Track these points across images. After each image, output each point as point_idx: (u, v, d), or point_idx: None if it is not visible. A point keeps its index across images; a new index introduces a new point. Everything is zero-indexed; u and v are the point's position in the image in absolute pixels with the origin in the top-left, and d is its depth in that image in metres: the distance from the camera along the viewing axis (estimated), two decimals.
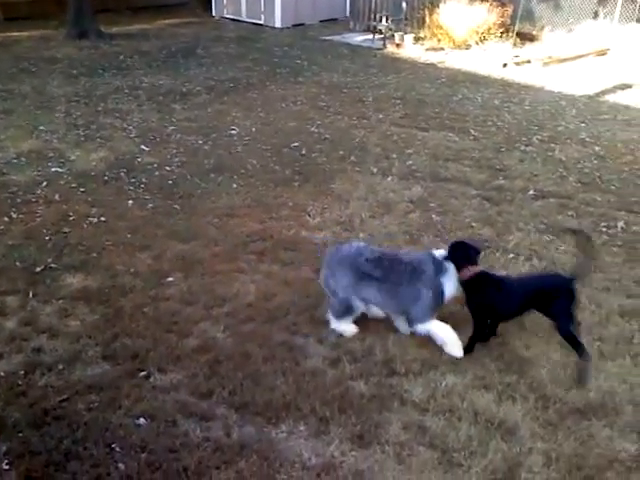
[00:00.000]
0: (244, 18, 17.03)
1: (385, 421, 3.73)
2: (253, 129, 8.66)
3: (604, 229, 6.16)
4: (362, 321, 4.62)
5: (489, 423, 3.72)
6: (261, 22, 16.64)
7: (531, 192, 6.91)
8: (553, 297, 4.13)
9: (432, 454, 3.52)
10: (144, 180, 6.96)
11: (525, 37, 14.53)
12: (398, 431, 3.67)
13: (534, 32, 14.74)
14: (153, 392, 3.90)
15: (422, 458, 3.49)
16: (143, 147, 7.94)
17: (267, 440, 3.58)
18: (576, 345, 4.12)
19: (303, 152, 7.89)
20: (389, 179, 7.12)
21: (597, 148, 8.38)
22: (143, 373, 4.05)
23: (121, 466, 3.38)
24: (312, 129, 8.74)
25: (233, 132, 8.54)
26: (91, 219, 6.05)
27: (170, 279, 5.10)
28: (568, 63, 13.32)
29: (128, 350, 4.25)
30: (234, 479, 3.32)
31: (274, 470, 3.38)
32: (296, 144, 8.11)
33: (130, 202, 6.44)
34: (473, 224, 6.16)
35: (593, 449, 3.60)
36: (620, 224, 6.28)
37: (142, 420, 3.69)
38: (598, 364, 4.26)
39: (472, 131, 8.82)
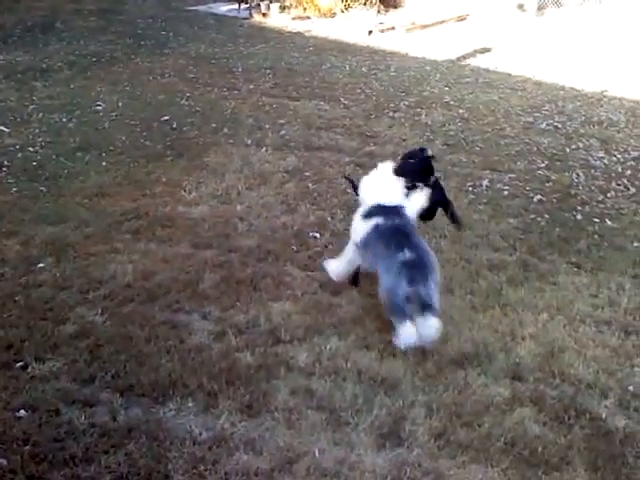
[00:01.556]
0: None
1: (273, 389, 3.79)
2: (120, 104, 8.36)
3: (470, 188, 6.45)
4: (246, 293, 4.65)
5: (372, 381, 3.86)
6: None
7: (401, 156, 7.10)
8: None
9: (320, 416, 3.61)
10: (6, 163, 6.58)
11: (388, 4, 14.80)
12: (286, 397, 3.73)
13: None
14: (32, 382, 3.75)
15: (311, 421, 3.58)
16: (3, 128, 7.49)
17: (155, 420, 3.54)
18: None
19: (174, 126, 7.72)
20: (263, 150, 7.11)
21: (461, 111, 8.72)
22: (20, 364, 3.88)
23: (3, 461, 3.24)
24: (182, 102, 8.55)
25: (99, 108, 8.21)
26: None
27: (41, 265, 4.88)
28: (430, 29, 13.71)
29: (1, 341, 4.05)
30: (124, 462, 3.27)
31: (165, 449, 3.36)
32: (166, 118, 7.92)
33: None
34: (348, 190, 6.26)
35: (470, 397, 3.81)
36: (485, 183, 6.59)
37: (22, 412, 3.54)
38: (470, 316, 4.51)
39: (342, 99, 8.93)
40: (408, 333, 3.98)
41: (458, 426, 3.59)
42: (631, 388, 3.94)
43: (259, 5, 14.40)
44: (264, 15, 14.15)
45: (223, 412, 3.60)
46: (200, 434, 3.46)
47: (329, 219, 5.73)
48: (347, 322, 4.35)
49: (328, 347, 4.13)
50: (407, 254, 4.02)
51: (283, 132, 7.66)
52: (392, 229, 4.22)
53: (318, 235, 5.45)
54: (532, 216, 5.97)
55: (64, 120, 7.79)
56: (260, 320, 4.37)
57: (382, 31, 13.16)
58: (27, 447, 3.34)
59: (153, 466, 3.26)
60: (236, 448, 3.39)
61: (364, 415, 3.62)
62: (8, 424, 3.46)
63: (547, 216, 5.97)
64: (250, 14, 14.23)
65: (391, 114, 8.47)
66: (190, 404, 3.65)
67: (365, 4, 14.26)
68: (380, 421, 3.59)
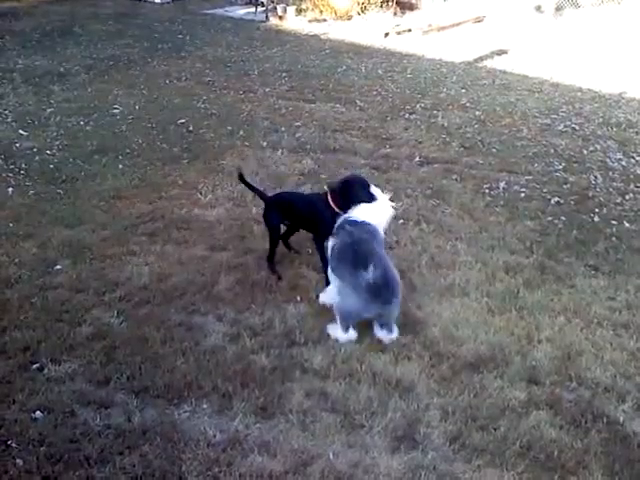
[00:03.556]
0: None
1: (288, 391, 3.79)
2: (137, 107, 8.42)
3: (487, 190, 6.42)
4: (261, 295, 4.65)
5: (387, 383, 3.85)
6: None
7: (417, 159, 7.10)
8: None
9: (335, 418, 3.61)
10: (24, 166, 6.64)
11: (405, 6, 14.78)
12: (301, 399, 3.73)
13: (413, 1, 15.01)
14: (48, 384, 3.78)
15: (325, 423, 3.57)
16: (21, 132, 7.57)
17: (170, 421, 3.55)
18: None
19: (190, 129, 7.75)
20: (279, 152, 7.12)
21: (477, 113, 8.68)
22: (36, 365, 3.92)
23: (19, 462, 3.27)
24: (198, 105, 8.59)
25: (116, 111, 8.27)
26: None
27: (58, 267, 4.92)
28: (447, 31, 13.68)
29: (18, 343, 4.09)
30: (138, 463, 3.28)
31: (179, 450, 3.37)
32: (183, 121, 7.96)
33: (10, 190, 6.14)
34: None
35: (486, 400, 3.79)
36: (502, 185, 6.55)
37: (39, 413, 3.57)
38: (487, 319, 4.48)
39: (358, 101, 8.93)
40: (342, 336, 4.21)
41: (473, 429, 3.57)
42: None
43: (275, 8, 14.45)
44: (280, 18, 14.19)
45: (237, 414, 3.61)
46: (214, 436, 3.47)
47: None
48: (361, 325, 4.33)
49: (343, 349, 4.12)
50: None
51: (299, 135, 7.66)
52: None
53: None
54: (549, 218, 5.92)
55: (81, 123, 7.86)
56: (275, 322, 4.37)
57: (398, 33, 13.14)
58: (43, 448, 3.36)
59: (167, 467, 3.27)
60: (250, 450, 3.39)
61: (379, 418, 3.61)
62: (24, 425, 3.49)
63: (564, 218, 5.92)
64: (266, 17, 14.28)
65: (407, 116, 8.44)
66: (205, 406, 3.66)
67: (382, 6, 14.24)
68: (395, 424, 3.58)
